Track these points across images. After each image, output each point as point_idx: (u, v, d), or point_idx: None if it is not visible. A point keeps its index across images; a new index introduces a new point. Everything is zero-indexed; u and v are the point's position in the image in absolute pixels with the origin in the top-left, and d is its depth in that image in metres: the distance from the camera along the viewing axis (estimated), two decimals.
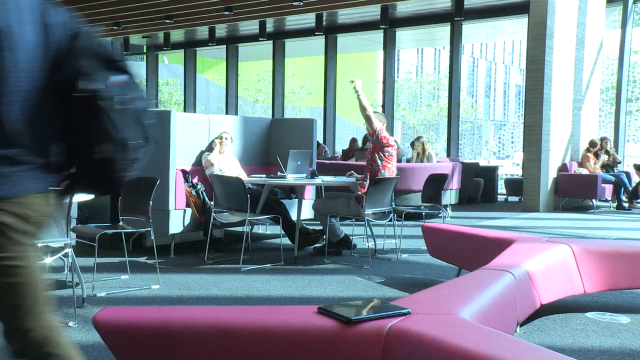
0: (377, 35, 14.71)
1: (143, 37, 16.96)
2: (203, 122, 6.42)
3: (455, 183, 9.92)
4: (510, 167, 23.54)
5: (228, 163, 6.27)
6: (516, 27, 15.04)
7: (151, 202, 4.50)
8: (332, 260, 5.77)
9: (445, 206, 9.15)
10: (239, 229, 6.64)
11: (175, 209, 5.66)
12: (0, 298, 1.64)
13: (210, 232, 5.63)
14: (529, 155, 10.50)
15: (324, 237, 6.04)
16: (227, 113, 17.00)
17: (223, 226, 5.87)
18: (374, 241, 6.40)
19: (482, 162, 17.30)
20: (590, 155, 10.86)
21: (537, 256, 3.78)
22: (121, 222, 4.83)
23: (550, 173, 10.59)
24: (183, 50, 17.84)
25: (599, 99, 12.19)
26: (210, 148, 6.39)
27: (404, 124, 26.85)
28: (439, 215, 7.96)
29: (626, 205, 10.81)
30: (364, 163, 6.08)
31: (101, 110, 1.61)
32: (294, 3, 11.17)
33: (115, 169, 1.64)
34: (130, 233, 5.44)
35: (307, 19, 13.90)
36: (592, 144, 10.93)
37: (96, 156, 1.61)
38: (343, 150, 12.45)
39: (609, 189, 10.70)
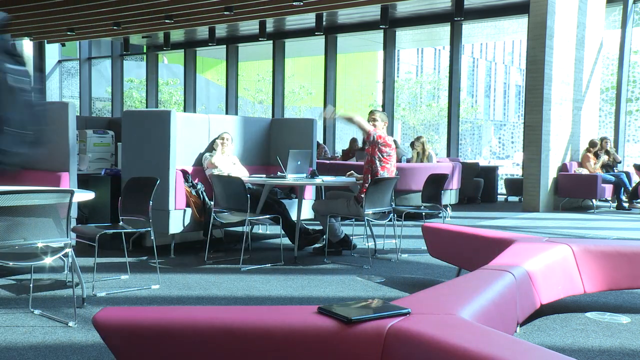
0: (377, 35, 14.70)
1: (143, 37, 16.96)
2: (203, 122, 6.42)
3: (455, 183, 9.92)
4: (510, 167, 23.52)
5: (229, 163, 6.26)
6: (516, 27, 15.03)
7: (151, 202, 4.50)
8: (332, 260, 5.77)
9: (445, 206, 9.15)
10: (239, 229, 6.64)
11: (175, 209, 5.66)
12: None
13: (210, 232, 5.63)
14: (529, 155, 10.50)
15: (324, 237, 6.04)
16: (227, 113, 17.00)
17: (223, 226, 5.87)
18: (374, 241, 6.40)
19: (482, 162, 17.30)
20: (590, 155, 10.86)
21: (537, 256, 3.78)
22: (121, 222, 4.83)
23: (550, 173, 10.59)
24: (183, 50, 17.84)
25: (599, 99, 12.18)
26: (211, 148, 6.38)
27: (404, 124, 26.82)
28: (439, 215, 7.96)
29: (626, 205, 10.81)
30: (364, 163, 6.08)
31: None
32: (294, 3, 11.16)
33: None
34: (130, 233, 5.44)
35: (307, 19, 13.89)
36: (592, 144, 10.93)
37: None
38: (343, 150, 12.45)
39: (609, 189, 10.70)
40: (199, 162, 6.34)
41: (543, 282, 3.64)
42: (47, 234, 3.58)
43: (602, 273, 4.02)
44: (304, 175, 6.16)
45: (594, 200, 10.83)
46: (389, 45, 14.30)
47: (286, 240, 6.28)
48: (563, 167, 10.88)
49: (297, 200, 6.13)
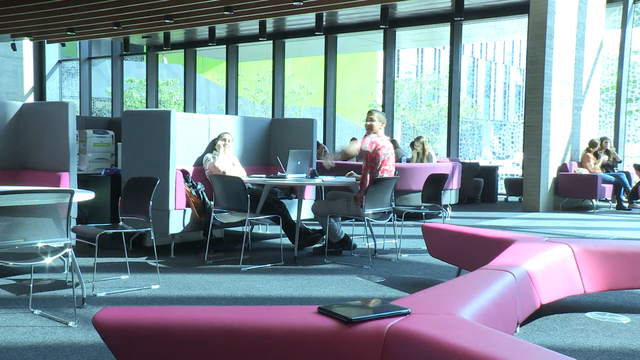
0: (377, 35, 14.70)
1: (143, 37, 16.94)
2: (203, 122, 6.42)
3: (455, 183, 9.92)
4: (510, 167, 23.52)
5: (228, 164, 6.26)
6: (516, 27, 15.02)
7: (151, 202, 4.50)
8: (332, 260, 5.77)
9: (445, 206, 9.15)
10: (239, 229, 6.64)
11: (175, 209, 5.66)
12: None
13: (210, 232, 5.63)
14: (529, 155, 10.50)
15: (324, 237, 6.04)
16: (227, 113, 17.00)
17: (223, 226, 5.87)
18: (374, 241, 6.40)
19: (483, 162, 17.30)
20: (590, 155, 10.86)
21: (537, 256, 3.78)
22: (121, 222, 4.83)
23: (550, 173, 10.59)
24: (183, 50, 17.84)
25: (599, 99, 12.19)
26: (211, 148, 6.36)
27: (404, 124, 26.80)
28: (439, 215, 7.96)
29: (626, 205, 10.81)
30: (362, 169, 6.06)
31: None
32: (294, 3, 11.15)
33: None
34: (130, 233, 5.44)
35: (307, 19, 13.89)
36: (592, 144, 10.94)
37: None
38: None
39: (609, 189, 10.70)
40: (199, 162, 6.34)
41: (543, 282, 3.64)
42: (47, 234, 3.58)
43: (602, 273, 4.02)
44: (304, 175, 6.16)
45: (594, 200, 10.83)
46: (389, 45, 14.30)
47: (286, 240, 6.28)
48: (563, 167, 10.88)
49: (297, 200, 6.13)
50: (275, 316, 2.49)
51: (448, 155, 13.14)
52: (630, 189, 10.79)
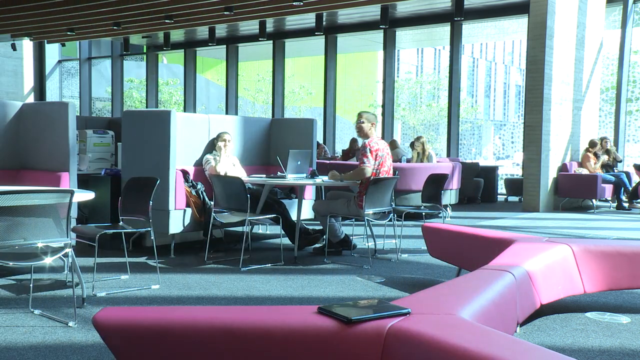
0: (377, 35, 14.70)
1: (143, 37, 16.94)
2: (203, 122, 6.42)
3: (455, 183, 9.92)
4: (510, 167, 23.52)
5: (229, 164, 6.25)
6: (516, 27, 15.03)
7: (151, 202, 4.50)
8: (332, 260, 5.77)
9: (445, 206, 9.15)
10: (239, 229, 6.64)
11: (175, 209, 5.66)
12: None
13: (210, 232, 5.63)
14: (529, 155, 10.50)
15: (324, 237, 6.04)
16: (227, 113, 17.00)
17: (223, 226, 5.87)
18: (374, 241, 6.40)
19: (483, 162, 17.30)
20: (590, 155, 10.86)
21: (537, 256, 3.78)
22: (121, 222, 4.83)
23: (550, 173, 10.59)
24: (183, 50, 17.84)
25: (599, 99, 12.19)
26: (211, 148, 6.34)
27: (404, 124, 26.80)
28: (439, 215, 7.96)
29: (626, 205, 10.81)
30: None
31: None
32: (294, 3, 11.15)
33: None
34: (130, 233, 5.44)
35: (307, 19, 13.89)
36: (592, 143, 10.94)
37: None
38: (343, 150, 12.45)
39: (609, 189, 10.70)
40: (199, 162, 6.33)
41: (543, 282, 3.64)
42: (47, 234, 3.58)
43: (602, 273, 4.02)
44: (304, 175, 6.16)
45: (594, 200, 10.83)
46: (389, 45, 14.30)
47: (286, 240, 6.28)
48: (563, 167, 10.88)
49: (297, 200, 6.13)
50: (275, 316, 2.49)
51: (448, 155, 13.15)
52: (630, 189, 10.79)
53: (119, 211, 4.86)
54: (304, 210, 6.31)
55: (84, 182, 6.07)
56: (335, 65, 15.30)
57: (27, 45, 18.71)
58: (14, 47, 16.92)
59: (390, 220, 5.89)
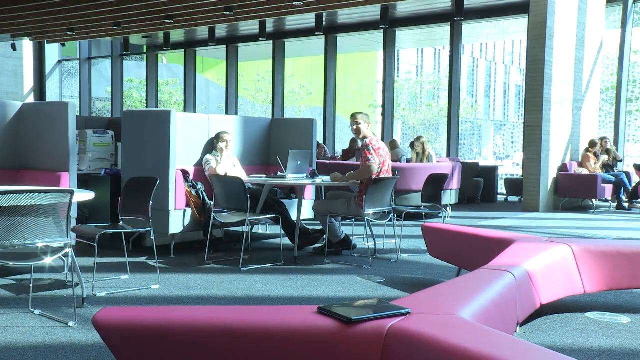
0: (377, 35, 14.70)
1: (143, 37, 16.94)
2: (203, 122, 6.41)
3: (455, 183, 9.92)
4: (510, 167, 23.51)
5: (229, 165, 6.25)
6: (516, 27, 15.03)
7: (151, 202, 4.50)
8: (332, 260, 5.77)
9: (445, 206, 9.15)
10: (239, 229, 6.64)
11: (175, 209, 5.66)
12: None
13: (210, 232, 5.63)
14: (529, 155, 10.50)
15: (324, 237, 6.04)
16: (227, 113, 17.00)
17: (223, 226, 5.87)
18: (374, 241, 6.40)
19: (482, 162, 17.30)
20: (591, 155, 10.86)
21: (537, 256, 3.78)
22: (121, 222, 4.83)
23: (550, 173, 10.59)
24: (183, 50, 17.84)
25: (599, 99, 12.19)
26: (210, 148, 6.33)
27: (404, 124, 26.80)
28: (439, 215, 7.96)
29: (626, 205, 10.81)
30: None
31: None
32: (294, 3, 11.15)
33: None
34: (130, 233, 5.44)
35: (307, 19, 13.89)
36: (592, 143, 10.94)
37: None
38: (343, 150, 12.45)
39: (609, 189, 10.70)
40: (199, 162, 6.33)
41: (543, 282, 3.64)
42: (47, 234, 3.58)
43: (602, 273, 4.02)
44: (304, 175, 6.15)
45: (594, 200, 10.83)
46: (389, 45, 14.30)
47: (286, 240, 6.28)
48: (563, 167, 10.88)
49: (297, 200, 6.13)
50: (275, 316, 2.49)
51: (448, 155, 13.15)
52: (630, 189, 10.79)
53: (119, 211, 4.86)
54: (304, 210, 6.31)
55: (84, 182, 6.07)
56: (335, 65, 15.30)
57: (27, 45, 18.71)
58: (14, 47, 16.91)
59: (390, 220, 5.89)
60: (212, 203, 5.69)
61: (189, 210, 5.78)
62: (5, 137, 5.47)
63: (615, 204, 10.99)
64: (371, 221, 6.08)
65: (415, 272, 5.36)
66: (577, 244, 4.10)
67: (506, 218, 9.46)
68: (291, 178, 6.00)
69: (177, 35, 16.69)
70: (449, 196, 9.82)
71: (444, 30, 14.08)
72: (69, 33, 14.72)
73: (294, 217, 6.18)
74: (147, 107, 18.65)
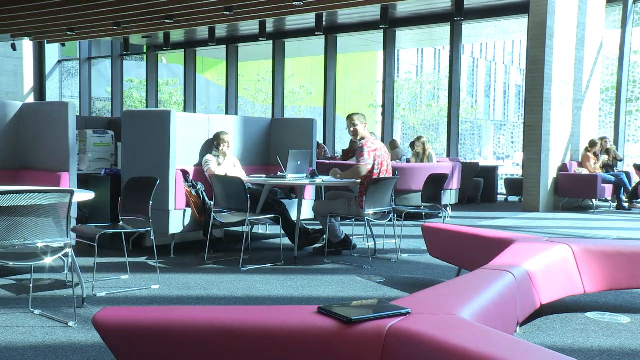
0: (377, 35, 14.70)
1: (143, 37, 16.94)
2: (203, 122, 6.41)
3: (455, 183, 9.92)
4: (510, 167, 23.52)
5: (229, 165, 6.24)
6: (516, 27, 15.03)
7: (151, 202, 4.50)
8: (332, 260, 5.77)
9: (445, 206, 9.15)
10: (239, 229, 6.64)
11: (175, 209, 5.66)
12: None
13: (210, 232, 5.63)
14: (529, 155, 10.50)
15: (324, 237, 6.04)
16: (227, 113, 17.00)
17: (223, 226, 5.87)
18: (374, 241, 6.40)
19: (482, 162, 17.31)
20: (590, 155, 10.87)
21: (537, 256, 3.78)
22: (121, 222, 4.83)
23: (550, 173, 10.59)
24: (183, 50, 17.84)
25: (599, 99, 12.19)
26: (209, 148, 6.32)
27: (404, 124, 26.81)
28: (439, 215, 7.96)
29: (626, 205, 10.81)
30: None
31: None
32: (294, 3, 11.15)
33: None
34: (130, 233, 5.44)
35: (307, 19, 13.89)
36: (592, 143, 10.94)
37: None
38: (343, 150, 12.44)
39: (609, 189, 10.70)
40: (199, 162, 6.33)
41: (543, 282, 3.64)
42: (47, 234, 3.58)
43: (602, 273, 4.02)
44: (304, 175, 6.15)
45: (594, 200, 10.83)
46: (389, 45, 14.30)
47: (286, 240, 6.28)
48: (563, 167, 10.88)
49: (297, 200, 6.13)
50: (275, 316, 2.49)
51: (448, 155, 13.15)
52: (630, 189, 10.79)
53: (119, 211, 4.86)
54: (304, 210, 6.31)
55: (84, 182, 6.07)
56: (335, 65, 15.30)
57: (27, 45, 18.71)
58: (14, 47, 16.91)
59: (390, 220, 5.89)
60: (212, 203, 5.69)
61: (189, 210, 5.78)
62: (5, 137, 5.47)
63: (615, 204, 10.99)
64: (371, 221, 6.08)
65: (415, 272, 5.36)
66: (577, 244, 4.10)
67: (506, 218, 9.46)
68: (291, 178, 6.00)
69: (177, 35, 16.69)
70: (449, 196, 9.82)
71: (444, 30, 14.08)
72: (69, 33, 14.72)
73: (294, 217, 6.18)
74: (147, 107, 18.65)
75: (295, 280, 4.93)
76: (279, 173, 6.31)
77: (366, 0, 11.48)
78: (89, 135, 7.07)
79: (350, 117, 5.87)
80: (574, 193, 10.73)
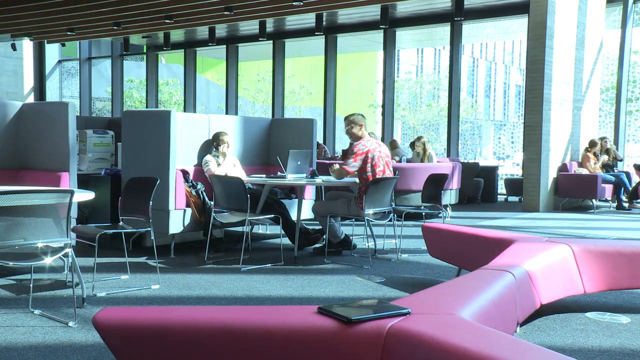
0: (377, 35, 14.70)
1: (143, 37, 16.94)
2: (203, 122, 6.41)
3: (455, 183, 9.92)
4: (510, 167, 23.52)
5: (229, 165, 6.24)
6: (516, 27, 15.03)
7: (151, 202, 4.50)
8: (332, 260, 5.77)
9: (445, 206, 9.15)
10: (239, 229, 6.64)
11: (175, 209, 5.66)
12: None
13: (210, 232, 5.63)
14: (529, 155, 10.50)
15: (324, 237, 6.04)
16: (227, 113, 17.00)
17: (223, 226, 5.87)
18: (374, 241, 6.40)
19: (482, 162, 17.31)
20: (590, 155, 10.87)
21: (537, 256, 3.78)
22: (121, 222, 4.83)
23: (550, 173, 10.59)
24: (183, 50, 17.84)
25: (599, 99, 12.19)
26: (208, 149, 6.31)
27: (404, 124, 26.81)
28: (439, 215, 7.96)
29: (626, 205, 10.81)
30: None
31: None
32: (294, 3, 11.15)
33: None
34: (130, 233, 5.44)
35: (307, 19, 13.89)
36: (592, 143, 10.94)
37: None
38: (343, 150, 12.44)
39: (609, 189, 10.70)
40: (199, 162, 6.32)
41: (543, 282, 3.64)
42: (47, 234, 3.58)
43: (602, 273, 4.02)
44: (304, 175, 6.15)
45: (594, 200, 10.83)
46: (389, 45, 14.30)
47: (286, 240, 6.28)
48: (563, 167, 10.88)
49: (297, 200, 6.13)
50: (275, 316, 2.49)
51: (448, 155, 13.15)
52: (630, 189, 10.78)
53: (119, 211, 4.86)
54: (304, 210, 6.31)
55: (84, 182, 6.07)
56: (335, 65, 15.30)
57: (27, 45, 18.71)
58: (14, 47, 16.91)
59: (390, 220, 5.88)
60: (212, 203, 5.69)
61: (189, 210, 5.78)
62: (5, 137, 5.47)
63: (615, 204, 10.99)
64: (371, 221, 6.08)
65: (415, 272, 5.36)
66: (577, 244, 4.10)
67: (506, 218, 9.46)
68: (291, 178, 6.00)
69: (177, 35, 16.69)
70: (449, 196, 9.82)
71: (444, 30, 14.08)
72: (69, 33, 14.72)
73: (294, 217, 6.18)
74: (147, 107, 18.65)
75: (295, 280, 4.93)
76: (279, 173, 6.31)
77: (366, 0, 11.48)
78: (89, 135, 7.07)
79: (345, 119, 5.90)
80: (574, 193, 10.73)
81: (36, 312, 3.83)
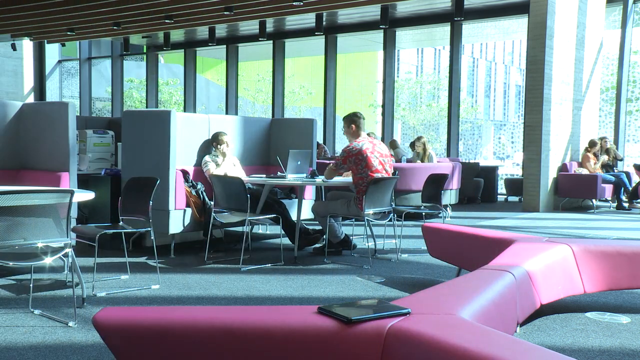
0: (377, 35, 14.70)
1: (143, 37, 16.94)
2: (203, 122, 6.41)
3: (455, 183, 9.92)
4: (510, 167, 23.52)
5: (229, 165, 6.24)
6: (516, 27, 15.03)
7: (151, 202, 4.50)
8: (332, 260, 5.77)
9: (445, 206, 9.15)
10: (239, 229, 6.64)
11: (175, 209, 5.66)
12: None
13: (210, 232, 5.63)
14: (529, 155, 10.50)
15: (324, 237, 6.04)
16: (227, 113, 17.00)
17: (223, 226, 5.87)
18: (374, 241, 6.40)
19: (482, 162, 17.31)
20: (590, 155, 10.87)
21: (537, 256, 3.78)
22: (121, 222, 4.83)
23: (550, 173, 10.59)
24: (183, 50, 17.84)
25: (599, 99, 12.19)
26: (207, 149, 6.31)
27: (404, 124, 26.81)
28: (439, 215, 7.96)
29: (626, 205, 10.81)
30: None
31: None
32: (294, 3, 11.15)
33: None
34: (130, 233, 5.44)
35: (307, 19, 13.89)
36: (592, 143, 10.94)
37: None
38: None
39: (609, 189, 10.70)
40: (199, 162, 6.33)
41: (543, 282, 3.64)
42: (47, 234, 3.58)
43: (602, 273, 4.02)
44: (304, 175, 6.15)
45: (594, 200, 10.83)
46: (389, 45, 14.30)
47: (286, 240, 6.28)
48: (563, 167, 10.88)
49: (297, 200, 6.13)
50: (275, 316, 2.49)
51: (448, 155, 13.15)
52: (630, 189, 10.79)
53: (119, 211, 4.86)
54: (304, 210, 6.31)
55: (84, 182, 6.07)
56: (335, 65, 15.30)
57: (27, 45, 18.71)
58: (14, 47, 16.91)
59: (390, 220, 5.89)
60: (212, 203, 5.69)
61: (189, 210, 5.78)
62: (5, 137, 5.47)
63: (615, 204, 10.99)
64: (371, 221, 6.08)
65: (415, 272, 5.36)
66: (577, 244, 4.10)
67: (506, 218, 9.46)
68: (291, 178, 6.00)
69: (177, 35, 16.69)
70: (449, 196, 9.82)
71: (444, 30, 14.08)
72: (69, 33, 14.72)
73: (294, 217, 6.18)
74: (147, 107, 18.65)
75: (295, 280, 4.93)
76: (279, 173, 6.31)
77: (366, 0, 11.48)
78: (89, 135, 7.07)
79: (343, 120, 5.92)
80: (574, 193, 10.73)
81: (36, 312, 3.83)
